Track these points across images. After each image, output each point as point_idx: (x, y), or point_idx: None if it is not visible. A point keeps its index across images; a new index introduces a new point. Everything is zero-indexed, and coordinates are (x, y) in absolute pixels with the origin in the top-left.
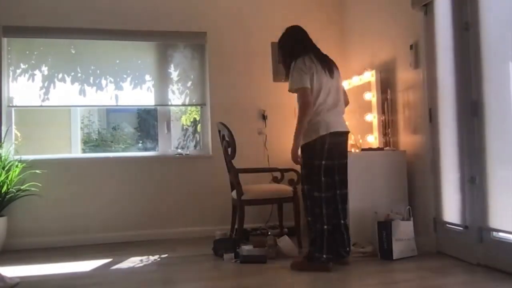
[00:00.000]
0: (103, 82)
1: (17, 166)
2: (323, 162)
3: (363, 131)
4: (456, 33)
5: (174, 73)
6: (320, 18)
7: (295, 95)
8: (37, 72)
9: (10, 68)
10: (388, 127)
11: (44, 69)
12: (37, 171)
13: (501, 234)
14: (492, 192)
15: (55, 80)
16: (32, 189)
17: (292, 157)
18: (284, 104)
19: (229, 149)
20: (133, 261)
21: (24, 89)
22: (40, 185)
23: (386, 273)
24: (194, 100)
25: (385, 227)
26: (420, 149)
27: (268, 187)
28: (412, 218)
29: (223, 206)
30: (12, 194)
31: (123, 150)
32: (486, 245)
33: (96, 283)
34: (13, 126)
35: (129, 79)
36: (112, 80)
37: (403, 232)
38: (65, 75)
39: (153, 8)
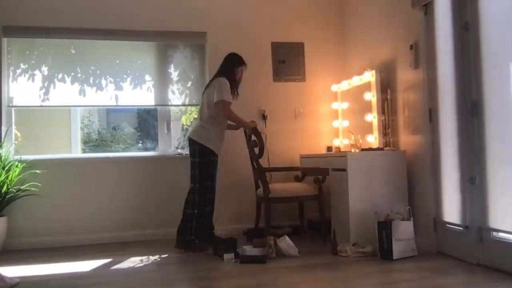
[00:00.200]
0: (103, 82)
1: (17, 166)
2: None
3: (363, 131)
4: (456, 33)
5: (174, 73)
6: (320, 18)
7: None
8: (37, 72)
9: (10, 68)
10: (388, 127)
11: (44, 69)
12: (37, 171)
13: (501, 234)
14: (492, 192)
15: (55, 80)
16: (32, 189)
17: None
18: (284, 104)
19: (256, 149)
20: (133, 261)
21: (24, 89)
22: (40, 185)
23: (386, 273)
24: (194, 100)
25: (385, 227)
26: (420, 149)
27: (293, 185)
28: (412, 218)
29: (223, 206)
30: (12, 194)
31: (123, 150)
32: (486, 245)
33: (96, 283)
34: (13, 126)
35: (129, 79)
36: (112, 80)
37: (403, 232)
38: (65, 75)
39: (153, 8)
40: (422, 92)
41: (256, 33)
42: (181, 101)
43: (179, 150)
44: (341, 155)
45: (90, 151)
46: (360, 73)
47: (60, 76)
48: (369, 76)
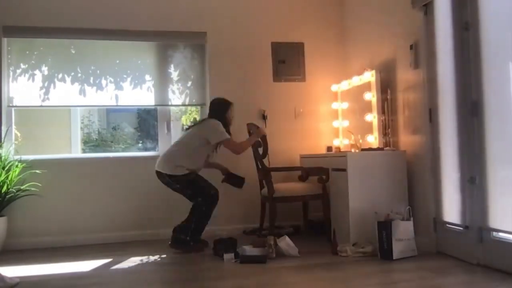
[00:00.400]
0: (103, 82)
1: (17, 166)
2: None
3: (363, 131)
4: (456, 33)
5: (174, 73)
6: (320, 18)
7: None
8: (37, 72)
9: (10, 68)
10: (388, 127)
11: (44, 69)
12: (37, 171)
13: (501, 234)
14: (492, 192)
15: (55, 80)
16: (32, 189)
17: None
18: (284, 104)
19: (260, 149)
20: (133, 261)
21: (24, 89)
22: (40, 185)
23: (386, 273)
24: (194, 100)
25: (385, 227)
26: (420, 149)
27: (297, 185)
28: (412, 218)
29: (223, 206)
30: (12, 194)
31: (123, 150)
32: (486, 245)
33: (96, 283)
34: (13, 126)
35: (129, 79)
36: (112, 80)
37: (403, 232)
38: (65, 75)
39: (153, 8)
40: (422, 92)
41: (256, 33)
42: (181, 101)
43: None
44: (341, 155)
45: (90, 151)
46: (360, 73)
47: (60, 76)
48: (369, 76)
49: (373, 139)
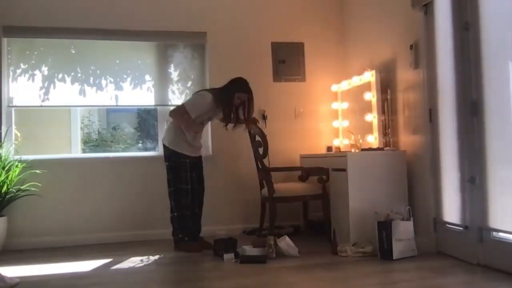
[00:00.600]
0: (103, 82)
1: (17, 166)
2: None
3: (363, 131)
4: (456, 33)
5: (174, 73)
6: (320, 18)
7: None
8: (37, 72)
9: (10, 68)
10: (388, 127)
11: (44, 69)
12: (37, 171)
13: (501, 234)
14: (492, 192)
15: (55, 80)
16: (32, 189)
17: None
18: (284, 104)
19: (260, 149)
20: (133, 261)
21: (24, 89)
22: (40, 185)
23: (386, 273)
24: None
25: (385, 227)
26: (420, 149)
27: (298, 185)
28: (412, 218)
29: (223, 206)
30: (12, 194)
31: (123, 150)
32: (486, 245)
33: (96, 283)
34: (13, 126)
35: (129, 79)
36: (112, 80)
37: (403, 232)
38: (65, 75)
39: (153, 8)
40: (422, 92)
41: (256, 33)
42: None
43: None
44: (341, 155)
45: (90, 151)
46: (360, 73)
47: (60, 76)
48: (369, 76)
49: (373, 139)
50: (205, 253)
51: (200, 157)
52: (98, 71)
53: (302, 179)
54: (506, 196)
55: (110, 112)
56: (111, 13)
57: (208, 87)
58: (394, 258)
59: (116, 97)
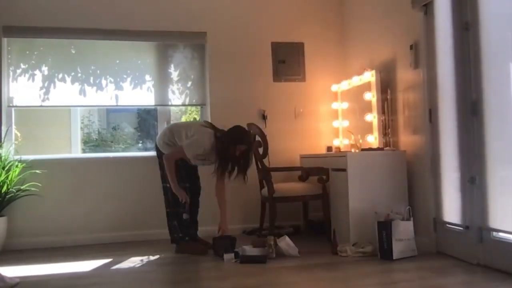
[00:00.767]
0: (103, 82)
1: (17, 166)
2: None
3: (363, 131)
4: (456, 33)
5: (174, 73)
6: (320, 18)
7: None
8: (37, 72)
9: (10, 68)
10: (388, 127)
11: (44, 69)
12: (37, 171)
13: (501, 234)
14: (492, 192)
15: (55, 80)
16: (32, 189)
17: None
18: (284, 104)
19: (260, 149)
20: (133, 261)
21: (24, 89)
22: (40, 185)
23: (386, 273)
24: (194, 100)
25: (385, 227)
26: (420, 149)
27: (298, 185)
28: (412, 218)
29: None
30: (12, 194)
31: (123, 150)
32: (486, 245)
33: (96, 283)
34: (13, 126)
35: (129, 79)
36: (112, 80)
37: (403, 232)
38: (65, 75)
39: (153, 8)
40: (422, 92)
41: (256, 33)
42: (181, 101)
43: None
44: (341, 155)
45: (90, 151)
46: (360, 73)
47: (60, 76)
48: (369, 76)
49: (373, 139)
50: (205, 253)
51: None
52: (98, 71)
53: (302, 179)
54: (506, 196)
55: (110, 112)
56: (111, 13)
57: (208, 87)
58: (394, 258)
59: (116, 97)
